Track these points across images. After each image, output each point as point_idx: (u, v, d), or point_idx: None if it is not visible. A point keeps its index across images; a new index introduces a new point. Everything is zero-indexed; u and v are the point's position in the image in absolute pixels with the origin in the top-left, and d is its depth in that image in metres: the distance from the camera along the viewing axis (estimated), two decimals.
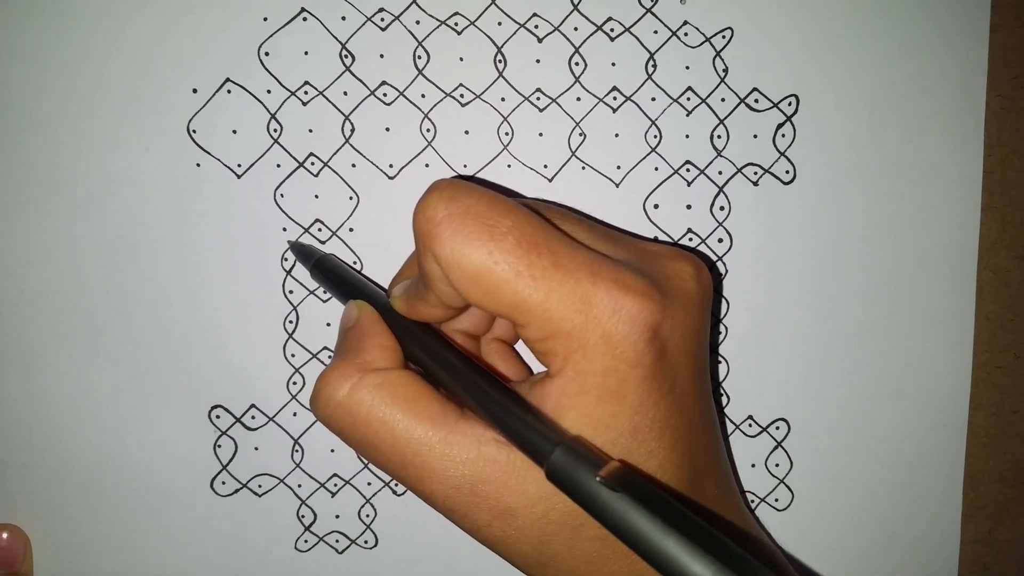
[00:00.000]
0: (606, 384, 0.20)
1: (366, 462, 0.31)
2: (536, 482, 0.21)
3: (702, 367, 0.23)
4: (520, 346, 0.29)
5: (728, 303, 0.31)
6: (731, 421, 0.32)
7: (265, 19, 0.29)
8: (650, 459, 0.21)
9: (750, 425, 0.32)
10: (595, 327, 0.20)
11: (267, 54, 0.29)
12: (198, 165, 0.29)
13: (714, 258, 0.31)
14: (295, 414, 0.31)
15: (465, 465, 0.21)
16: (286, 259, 0.30)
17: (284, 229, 0.30)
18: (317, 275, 0.28)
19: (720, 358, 0.31)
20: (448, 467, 0.21)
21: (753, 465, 0.32)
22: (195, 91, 0.29)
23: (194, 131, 0.29)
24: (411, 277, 0.25)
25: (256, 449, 0.31)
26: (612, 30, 0.29)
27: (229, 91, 0.29)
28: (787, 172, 0.30)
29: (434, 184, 0.21)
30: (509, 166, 0.30)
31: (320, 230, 0.30)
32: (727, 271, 0.31)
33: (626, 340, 0.20)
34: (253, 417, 0.31)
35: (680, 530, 0.17)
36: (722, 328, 0.31)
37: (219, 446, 0.31)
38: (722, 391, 0.31)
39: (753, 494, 0.32)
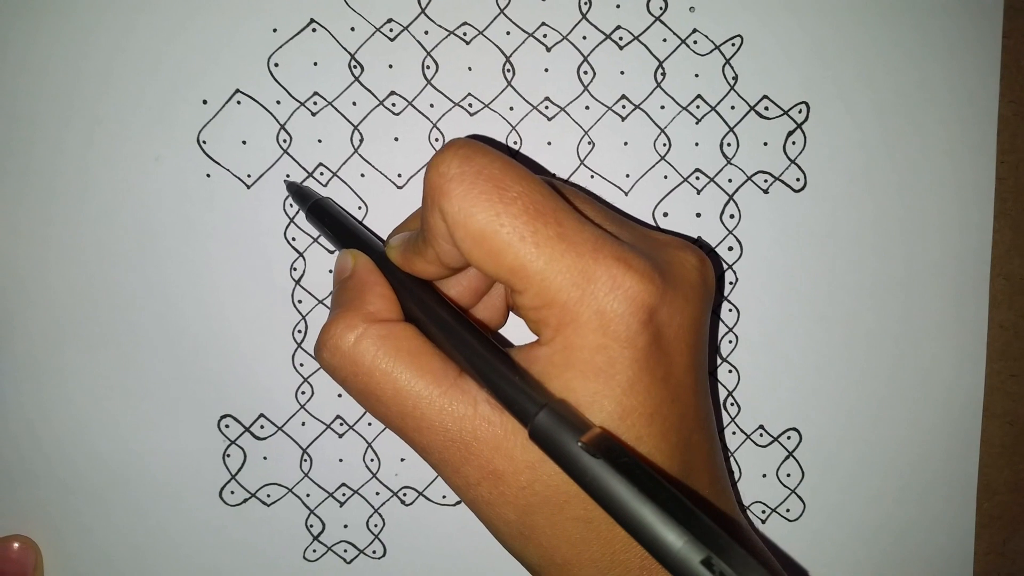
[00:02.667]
0: (593, 361, 0.20)
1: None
2: (524, 448, 0.21)
3: (700, 360, 0.23)
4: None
5: (738, 312, 0.31)
6: (742, 431, 0.31)
7: (275, 30, 0.29)
8: (639, 446, 0.21)
9: (761, 435, 0.31)
10: (590, 302, 0.20)
11: (276, 65, 0.29)
12: (208, 175, 0.29)
13: (724, 267, 0.31)
14: (304, 424, 0.31)
15: (462, 420, 0.21)
16: (295, 269, 0.30)
17: (293, 239, 0.30)
18: (312, 219, 0.28)
19: (731, 367, 0.31)
20: (446, 420, 0.22)
21: (764, 475, 0.32)
22: (205, 102, 0.29)
23: (204, 142, 0.29)
24: (411, 230, 0.24)
25: (265, 458, 0.31)
26: (621, 38, 0.29)
27: (239, 102, 0.29)
28: (797, 180, 0.30)
29: (451, 142, 0.21)
30: None
31: None
32: (737, 279, 0.31)
33: (620, 319, 0.20)
34: (262, 427, 0.31)
35: (656, 500, 0.17)
36: (732, 337, 0.31)
37: (228, 455, 0.31)
38: (733, 400, 0.31)
39: (764, 504, 0.32)
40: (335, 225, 0.27)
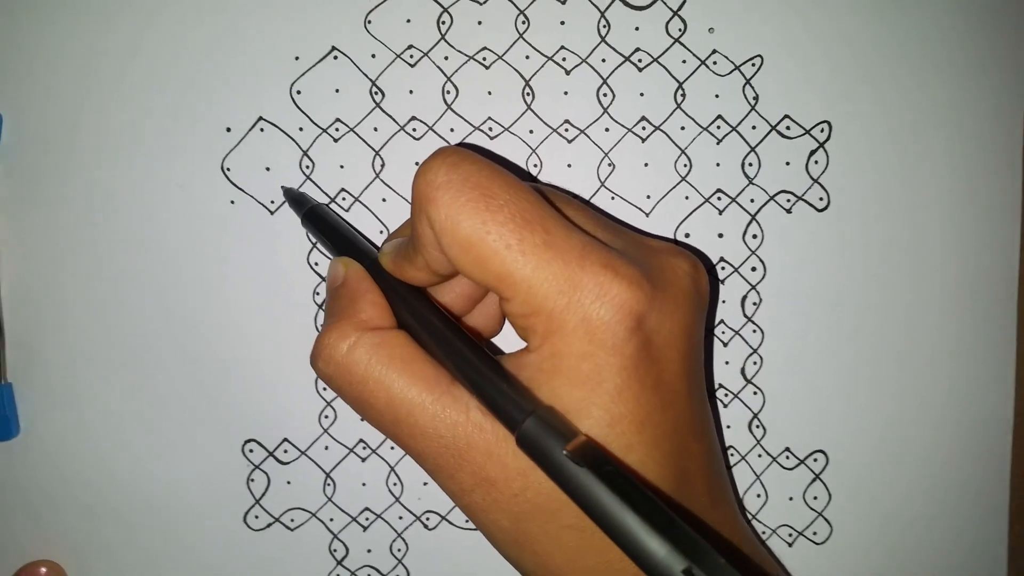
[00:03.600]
0: (579, 368, 0.20)
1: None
2: (515, 455, 0.20)
3: (694, 367, 0.23)
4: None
5: (763, 333, 0.30)
6: (768, 453, 0.31)
7: (297, 58, 0.29)
8: (629, 453, 0.21)
9: (787, 457, 0.31)
10: (576, 310, 0.20)
11: (299, 92, 0.29)
12: (232, 202, 0.30)
13: (747, 287, 0.30)
14: (327, 448, 0.31)
15: (455, 427, 0.21)
16: (318, 293, 0.30)
17: (316, 264, 0.30)
18: (308, 224, 0.28)
19: (755, 389, 0.31)
20: (439, 427, 0.21)
21: (791, 498, 0.31)
22: (229, 130, 0.29)
23: (228, 169, 0.29)
24: (405, 236, 0.24)
25: (288, 483, 0.31)
26: (640, 60, 0.29)
27: (262, 129, 0.29)
28: (821, 199, 0.30)
29: (439, 149, 0.21)
30: None
31: None
32: (761, 300, 0.30)
33: (606, 326, 0.20)
34: (286, 451, 0.31)
35: (638, 509, 0.17)
36: (757, 358, 0.31)
37: (252, 480, 0.31)
38: (758, 423, 0.31)
39: (791, 528, 0.31)
40: (329, 231, 0.27)
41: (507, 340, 0.29)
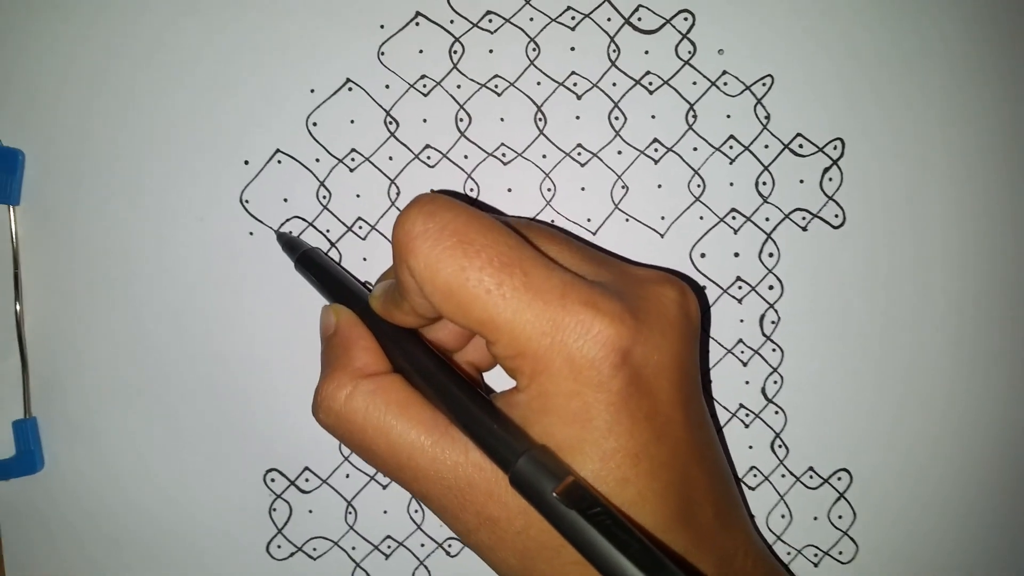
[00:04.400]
0: (568, 407, 0.20)
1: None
2: (514, 494, 0.20)
3: (689, 394, 0.22)
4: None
5: (783, 351, 0.30)
6: (791, 473, 0.31)
7: (312, 91, 0.30)
8: (625, 487, 0.21)
9: (811, 477, 0.31)
10: (560, 350, 0.20)
11: (315, 124, 0.30)
12: (251, 234, 0.30)
13: (765, 306, 0.30)
14: (348, 476, 0.31)
15: (455, 468, 0.22)
16: None
17: None
18: (301, 268, 0.28)
19: (777, 408, 0.31)
20: (440, 469, 0.22)
21: (815, 518, 0.31)
22: (247, 162, 0.30)
23: (247, 201, 0.30)
24: (392, 278, 0.25)
25: (311, 512, 0.31)
26: (651, 83, 0.30)
27: (279, 161, 0.30)
28: (836, 216, 0.30)
29: (416, 198, 0.22)
30: (552, 221, 0.30)
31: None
32: (780, 319, 0.30)
33: (591, 365, 0.20)
34: (307, 480, 0.31)
35: (626, 551, 0.17)
36: (777, 377, 0.30)
37: (274, 509, 0.31)
38: (780, 442, 0.31)
39: (816, 548, 0.31)
40: (322, 275, 0.27)
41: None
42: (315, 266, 0.28)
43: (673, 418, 0.22)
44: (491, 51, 0.29)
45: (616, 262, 0.24)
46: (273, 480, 0.31)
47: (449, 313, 0.21)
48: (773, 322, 0.30)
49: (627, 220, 0.30)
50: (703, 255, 0.30)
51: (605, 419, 0.20)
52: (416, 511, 0.31)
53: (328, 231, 0.30)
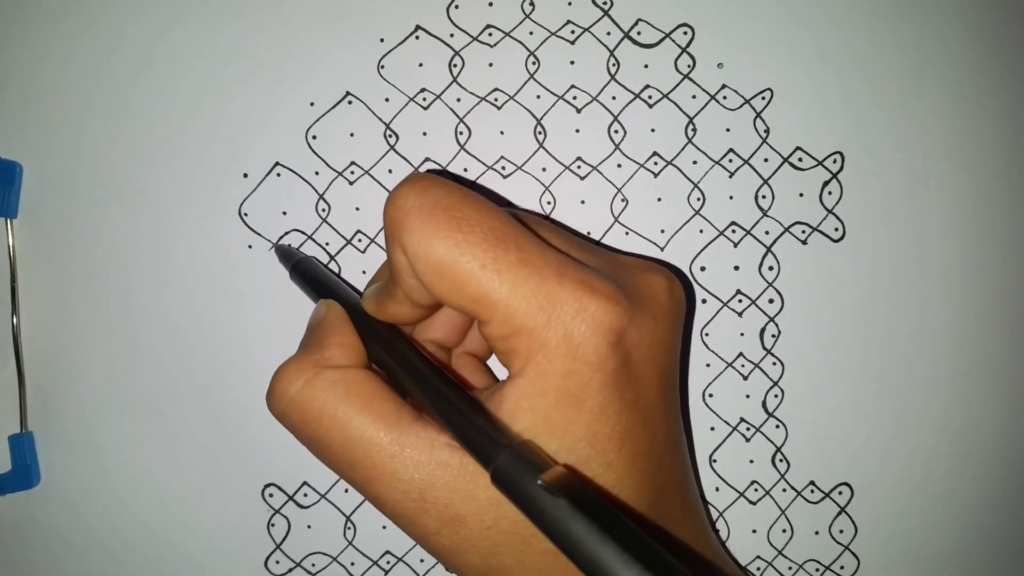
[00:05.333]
0: (565, 387, 0.20)
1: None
2: (487, 487, 0.20)
3: (670, 382, 0.22)
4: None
5: (783, 365, 0.30)
6: (792, 488, 0.31)
7: (312, 104, 0.29)
8: (608, 471, 0.20)
9: (812, 491, 0.30)
10: (557, 326, 0.20)
11: (314, 137, 0.30)
12: (250, 247, 0.30)
13: (765, 319, 0.30)
14: (347, 491, 0.30)
15: (416, 468, 0.21)
16: None
17: None
18: (296, 277, 0.28)
19: (778, 422, 0.30)
20: (398, 469, 0.21)
21: (817, 532, 0.31)
22: (246, 175, 0.30)
23: (245, 214, 0.30)
24: (383, 280, 0.24)
25: (309, 527, 0.30)
26: (650, 97, 0.30)
27: (279, 174, 0.30)
28: (836, 229, 0.30)
29: (409, 176, 0.21)
30: None
31: None
32: (780, 332, 0.30)
33: (588, 342, 0.20)
34: (306, 495, 0.30)
35: (615, 538, 0.16)
36: (778, 391, 0.30)
37: (272, 524, 0.30)
38: (781, 456, 0.30)
39: (817, 562, 0.31)
40: (316, 283, 0.27)
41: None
42: (309, 274, 0.28)
43: (655, 405, 0.21)
44: (491, 64, 0.29)
45: (603, 250, 0.24)
46: (271, 495, 0.30)
47: (442, 292, 0.20)
48: (773, 335, 0.30)
49: (627, 233, 0.30)
50: (703, 268, 0.30)
51: (598, 400, 0.20)
52: None
53: (327, 244, 0.30)
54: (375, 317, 0.24)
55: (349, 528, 0.31)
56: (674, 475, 0.22)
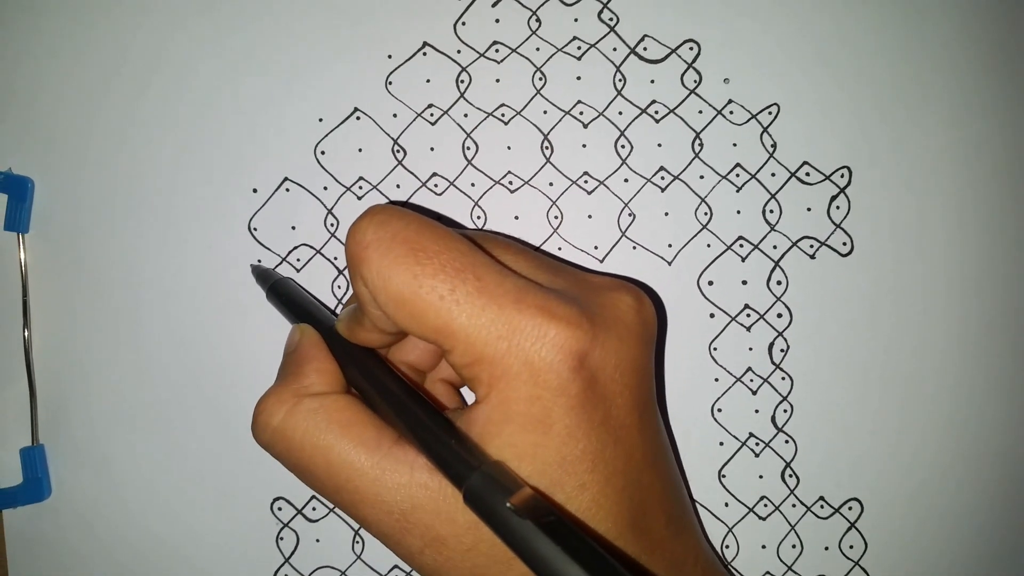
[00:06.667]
0: (530, 412, 0.20)
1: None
2: (465, 511, 0.20)
3: (644, 399, 0.22)
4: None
5: (792, 380, 0.30)
6: (802, 503, 0.30)
7: (320, 120, 0.30)
8: (582, 492, 0.20)
9: (822, 507, 0.30)
10: (518, 354, 0.20)
11: (323, 153, 0.30)
12: (259, 261, 0.30)
13: (774, 334, 0.30)
14: None
15: (397, 491, 0.21)
16: None
17: None
18: (272, 298, 0.28)
19: (787, 438, 0.30)
20: (381, 492, 0.21)
21: (827, 548, 0.30)
22: (255, 191, 0.30)
23: (255, 229, 0.30)
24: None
25: (318, 541, 0.31)
26: (657, 112, 0.30)
27: (288, 189, 0.30)
28: (844, 244, 0.30)
29: (368, 209, 0.21)
30: (560, 248, 0.30)
31: None
32: (788, 347, 0.30)
33: (549, 368, 0.20)
34: (314, 508, 0.31)
35: (580, 560, 0.17)
36: (787, 406, 0.30)
37: (281, 538, 0.31)
38: (791, 472, 0.30)
39: None
40: (292, 304, 0.27)
41: None
42: (285, 296, 0.28)
43: (627, 423, 0.21)
44: (498, 80, 0.30)
45: (573, 270, 0.24)
46: (280, 508, 0.31)
47: (404, 322, 0.21)
48: (782, 350, 0.30)
49: (634, 248, 0.30)
50: (711, 283, 0.30)
51: (565, 424, 0.20)
52: None
53: (336, 259, 0.30)
54: (348, 340, 0.24)
55: (358, 542, 0.31)
56: (655, 491, 0.22)
